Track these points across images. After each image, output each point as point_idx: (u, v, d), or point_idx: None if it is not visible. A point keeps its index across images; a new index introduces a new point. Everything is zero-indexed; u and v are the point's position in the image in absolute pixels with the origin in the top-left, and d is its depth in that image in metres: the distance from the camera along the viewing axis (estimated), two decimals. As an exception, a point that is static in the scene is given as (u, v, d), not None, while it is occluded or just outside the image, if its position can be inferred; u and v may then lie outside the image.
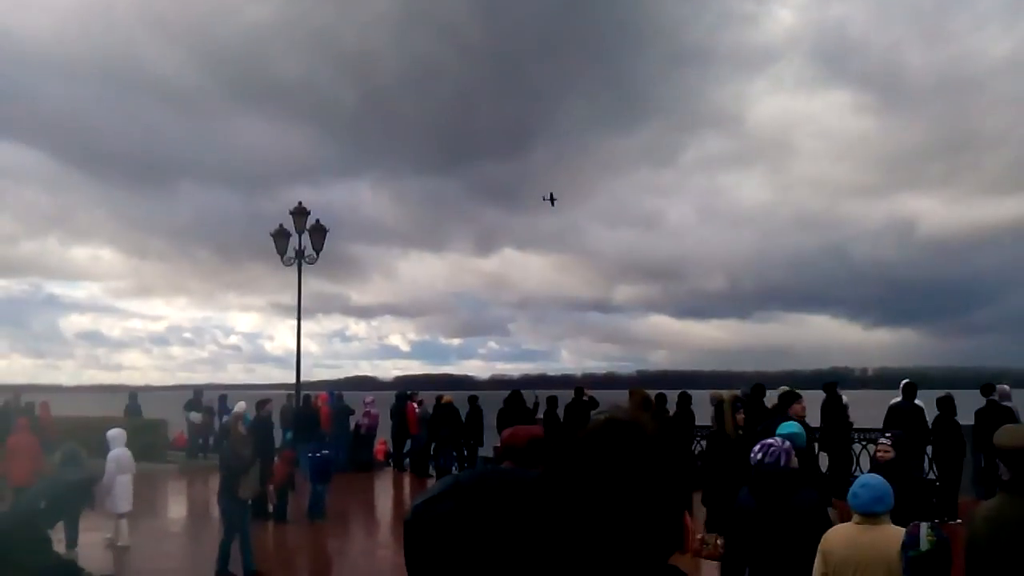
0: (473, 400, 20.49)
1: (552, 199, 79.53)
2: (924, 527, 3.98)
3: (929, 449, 13.92)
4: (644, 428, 1.32)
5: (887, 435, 7.80)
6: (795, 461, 5.39)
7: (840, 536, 4.64)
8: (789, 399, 9.87)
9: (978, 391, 14.48)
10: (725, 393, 10.01)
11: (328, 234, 22.51)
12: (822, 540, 4.67)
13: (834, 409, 15.03)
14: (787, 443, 5.46)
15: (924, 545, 3.88)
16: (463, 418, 20.07)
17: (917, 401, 13.79)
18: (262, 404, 16.32)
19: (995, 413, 13.15)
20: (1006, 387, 14.47)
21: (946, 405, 13.38)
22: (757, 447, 5.41)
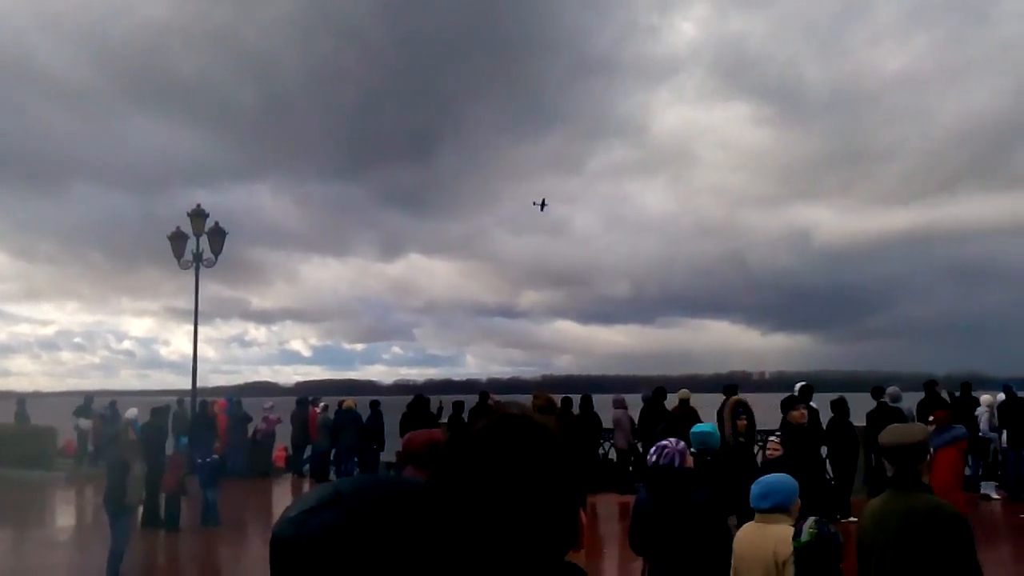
0: (375, 405, 20.13)
1: (543, 204, 79.37)
2: (808, 521, 4.05)
3: (824, 449, 14.25)
4: (535, 422, 1.27)
5: (776, 434, 8.08)
6: (690, 461, 5.51)
7: (740, 533, 4.78)
8: (789, 404, 9.92)
9: (870, 394, 15.00)
10: (730, 399, 9.98)
11: (227, 237, 21.98)
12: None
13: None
14: (681, 444, 5.53)
15: (804, 536, 3.95)
16: (365, 423, 19.75)
17: (812, 404, 14.16)
18: (157, 411, 15.77)
19: (885, 414, 13.65)
20: (896, 389, 15.06)
21: (840, 407, 13.78)
22: (653, 449, 5.48)
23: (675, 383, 18.92)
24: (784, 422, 14.00)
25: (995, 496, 15.28)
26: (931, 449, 4.14)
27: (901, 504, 3.88)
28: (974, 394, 16.54)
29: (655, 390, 15.98)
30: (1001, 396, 15.44)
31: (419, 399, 18.35)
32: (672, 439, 5.59)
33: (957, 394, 16.10)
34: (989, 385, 22.09)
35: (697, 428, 7.29)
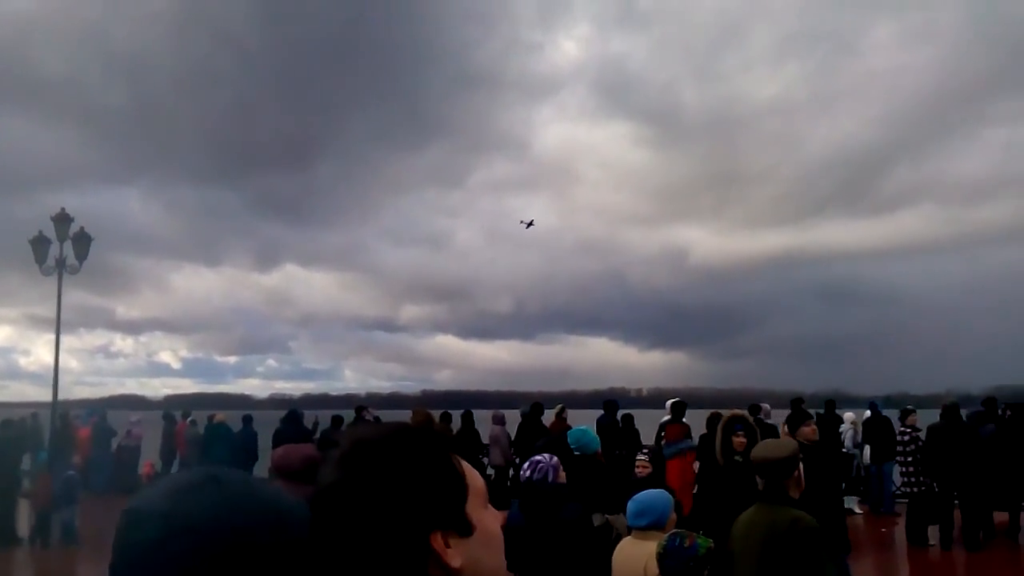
0: (247, 420, 19.46)
1: (530, 223, 78.64)
2: (668, 535, 4.13)
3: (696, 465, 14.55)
4: (385, 446, 1.25)
5: (644, 451, 8.11)
6: (563, 476, 5.53)
7: (618, 549, 4.81)
8: (798, 420, 8.58)
9: (747, 411, 15.39)
10: (725, 412, 8.18)
11: (93, 243, 20.87)
12: None
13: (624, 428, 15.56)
14: (554, 459, 5.53)
15: (657, 548, 4.03)
16: (237, 438, 19.05)
17: (684, 420, 14.45)
18: (6, 424, 14.90)
19: (762, 431, 14.00)
20: (767, 406, 15.51)
21: (714, 424, 14.04)
22: (526, 464, 5.43)
23: (554, 399, 19.01)
24: (659, 439, 14.35)
25: (858, 511, 15.89)
26: (799, 465, 4.23)
27: (766, 516, 4.04)
28: (838, 412, 17.24)
29: (532, 406, 16.01)
30: (867, 413, 16.06)
31: (293, 414, 17.81)
32: (546, 455, 5.56)
33: (821, 411, 16.78)
34: (853, 403, 23.05)
35: (574, 430, 7.63)
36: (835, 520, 7.55)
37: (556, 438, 9.20)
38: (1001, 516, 13.23)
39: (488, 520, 1.32)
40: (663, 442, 13.56)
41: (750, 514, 4.20)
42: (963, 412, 13.12)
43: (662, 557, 4.02)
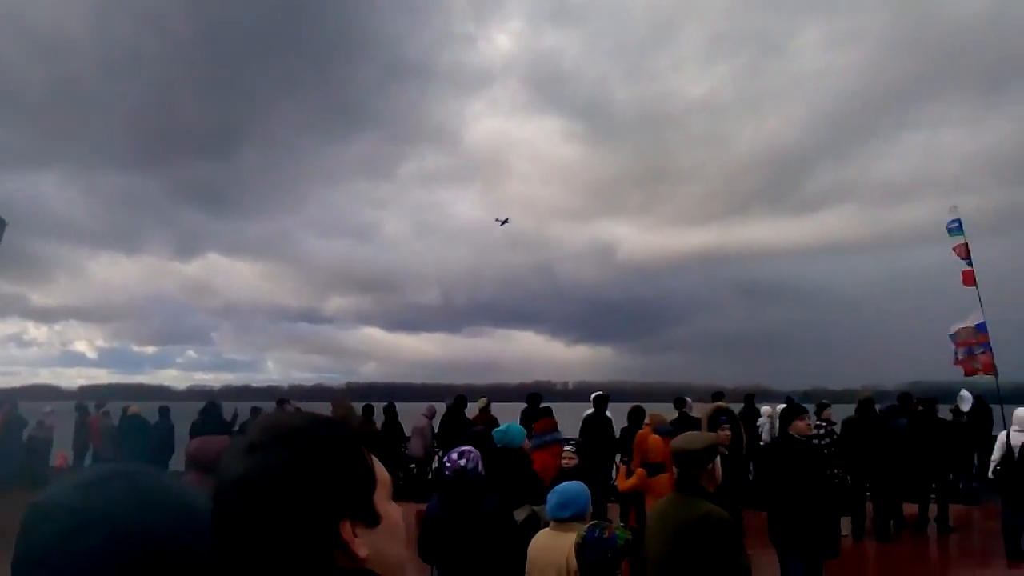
0: (164, 411, 18.98)
1: (504, 221, 77.37)
2: (586, 525, 4.17)
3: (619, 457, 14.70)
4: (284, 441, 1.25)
5: (571, 443, 8.13)
6: (482, 468, 5.45)
7: (535, 541, 4.82)
8: (792, 414, 8.02)
9: (669, 403, 15.60)
10: (710, 405, 7.84)
11: (6, 228, 20.08)
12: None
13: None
14: (475, 451, 5.51)
15: (576, 538, 4.07)
16: (153, 431, 18.55)
17: (607, 413, 14.55)
18: None
19: (686, 424, 14.20)
20: (690, 401, 15.71)
21: (635, 416, 14.15)
22: (454, 452, 5.42)
23: (480, 392, 19.00)
24: (582, 431, 14.43)
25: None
26: (716, 458, 4.28)
27: (680, 507, 4.12)
28: (757, 405, 17.60)
29: (455, 398, 15.94)
30: (783, 407, 16.42)
31: (211, 406, 17.43)
32: (467, 447, 5.56)
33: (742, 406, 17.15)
34: (773, 397, 23.52)
35: (497, 429, 7.70)
36: (821, 520, 7.38)
37: (480, 431, 9.17)
38: (911, 508, 13.65)
39: (392, 512, 1.33)
40: (531, 434, 13.56)
41: (663, 505, 4.30)
42: (877, 407, 13.46)
43: (581, 547, 4.05)
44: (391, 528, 1.31)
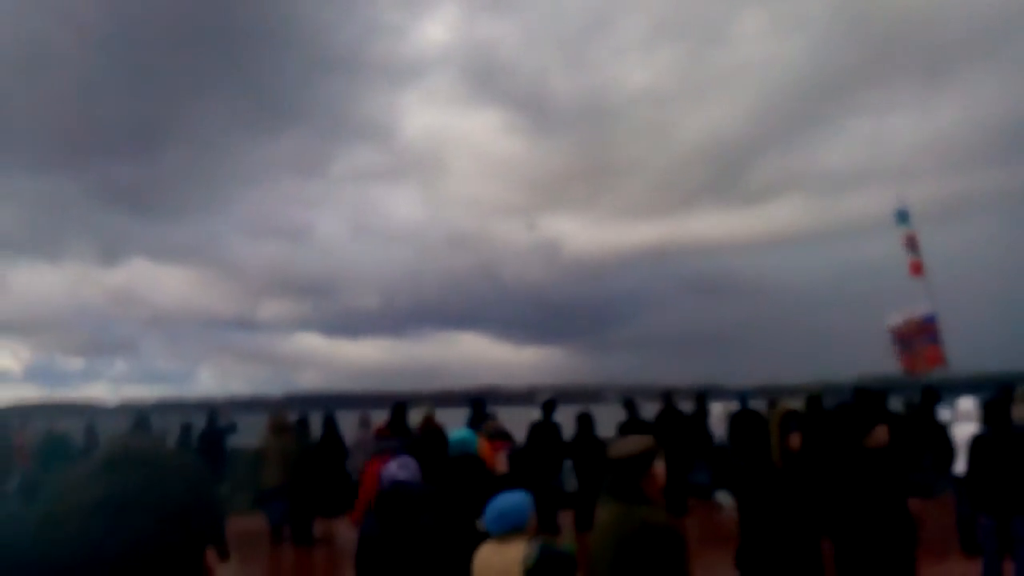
0: (90, 429, 18.19)
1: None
2: (536, 543, 4.17)
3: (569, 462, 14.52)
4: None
5: (509, 447, 7.82)
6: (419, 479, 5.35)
7: (479, 554, 4.64)
8: (860, 418, 6.45)
9: (620, 405, 15.42)
10: (780, 407, 6.70)
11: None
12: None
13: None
14: (414, 461, 5.44)
15: (531, 561, 4.05)
16: (81, 450, 17.77)
17: (555, 418, 14.30)
18: None
19: (636, 426, 14.03)
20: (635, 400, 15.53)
21: (584, 421, 13.89)
22: (395, 465, 5.33)
23: (426, 398, 18.52)
24: (528, 437, 14.12)
25: (728, 503, 16.06)
26: (653, 462, 4.09)
27: (620, 516, 3.99)
28: (710, 404, 17.47)
29: (393, 406, 15.47)
30: (735, 405, 16.27)
31: (141, 421, 16.75)
32: (406, 457, 5.44)
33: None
34: (727, 395, 23.47)
35: (455, 434, 7.64)
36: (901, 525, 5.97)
37: (419, 440, 8.76)
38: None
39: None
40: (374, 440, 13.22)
41: (604, 514, 4.11)
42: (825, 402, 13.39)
43: (537, 564, 4.02)
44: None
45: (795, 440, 6.14)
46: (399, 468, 5.22)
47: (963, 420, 11.06)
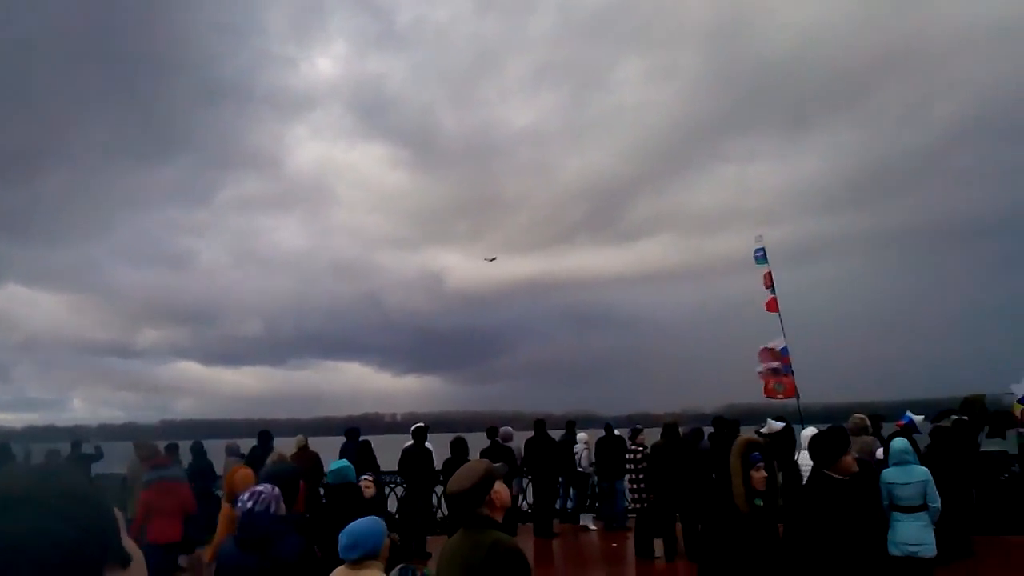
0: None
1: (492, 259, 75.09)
2: (394, 570, 4.24)
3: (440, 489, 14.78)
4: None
5: (367, 475, 8.05)
6: (283, 508, 5.27)
7: None
8: (832, 444, 5.84)
9: (485, 434, 15.76)
10: (740, 438, 5.85)
11: None
12: None
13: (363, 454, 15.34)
14: (276, 489, 5.28)
15: None
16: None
17: (427, 444, 14.51)
18: None
19: (498, 453, 14.38)
20: (509, 430, 15.89)
21: (458, 447, 14.16)
22: (247, 495, 5.12)
23: (305, 427, 18.45)
24: (401, 464, 14.30)
25: (592, 527, 16.62)
26: (494, 484, 4.19)
27: (467, 541, 4.03)
28: (580, 432, 17.98)
29: (259, 434, 15.41)
30: (602, 433, 16.80)
31: (2, 448, 16.09)
32: (268, 485, 5.34)
33: (563, 432, 17.52)
34: (598, 422, 24.06)
35: (333, 464, 7.75)
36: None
37: (283, 467, 8.80)
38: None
39: (134, 548, 1.35)
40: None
41: (454, 540, 4.18)
42: (681, 430, 13.99)
43: None
44: (139, 566, 1.35)
45: (758, 475, 5.54)
46: (250, 499, 5.08)
47: (806, 449, 11.83)
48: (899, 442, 9.15)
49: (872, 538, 5.45)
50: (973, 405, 13.79)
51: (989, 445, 11.54)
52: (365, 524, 4.73)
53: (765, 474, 5.50)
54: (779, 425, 18.46)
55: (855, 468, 5.62)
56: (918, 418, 10.69)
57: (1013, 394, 15.24)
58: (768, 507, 5.49)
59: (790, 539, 5.56)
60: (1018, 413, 16.96)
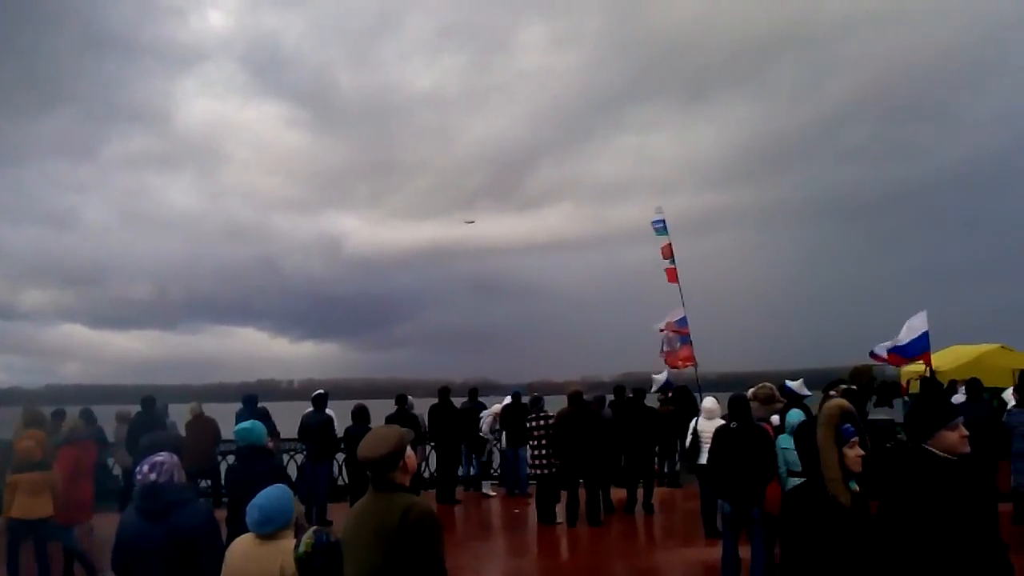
0: None
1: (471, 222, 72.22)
2: (307, 532, 3.95)
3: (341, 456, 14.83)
4: None
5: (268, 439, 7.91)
6: (183, 475, 5.17)
7: (236, 550, 4.47)
8: (932, 419, 4.31)
9: (394, 401, 15.65)
10: (832, 403, 4.47)
11: None
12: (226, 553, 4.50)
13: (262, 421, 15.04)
14: (175, 457, 5.15)
15: (302, 548, 3.84)
16: None
17: (328, 411, 14.33)
18: None
19: (404, 420, 14.32)
20: (411, 398, 15.83)
21: (359, 414, 14.01)
22: (145, 464, 4.97)
23: (198, 392, 18.02)
24: (301, 431, 14.11)
25: (492, 493, 16.76)
26: (405, 451, 4.19)
27: (378, 505, 4.06)
28: (481, 399, 18.05)
29: (143, 400, 14.87)
30: (507, 400, 16.88)
31: None
32: (166, 453, 5.17)
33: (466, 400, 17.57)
34: (499, 390, 24.19)
35: (241, 425, 7.61)
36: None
37: (167, 435, 8.50)
38: (620, 493, 14.56)
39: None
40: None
41: (363, 503, 4.19)
42: (585, 397, 14.19)
43: (312, 554, 3.80)
44: None
45: (854, 453, 4.27)
46: (150, 470, 4.94)
47: (707, 417, 12.17)
48: (795, 414, 9.45)
49: (987, 534, 4.11)
50: (862, 375, 14.33)
51: (877, 414, 11.99)
52: (275, 499, 4.52)
53: (862, 452, 4.28)
54: (662, 380, 19.03)
55: (964, 448, 4.25)
56: (794, 383, 11.03)
57: (877, 356, 15.96)
58: (864, 494, 4.30)
59: (886, 530, 4.27)
60: (904, 383, 17.84)
